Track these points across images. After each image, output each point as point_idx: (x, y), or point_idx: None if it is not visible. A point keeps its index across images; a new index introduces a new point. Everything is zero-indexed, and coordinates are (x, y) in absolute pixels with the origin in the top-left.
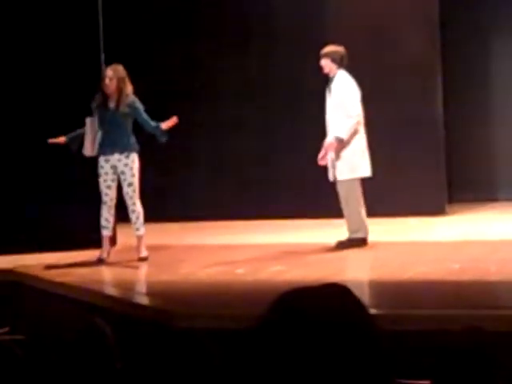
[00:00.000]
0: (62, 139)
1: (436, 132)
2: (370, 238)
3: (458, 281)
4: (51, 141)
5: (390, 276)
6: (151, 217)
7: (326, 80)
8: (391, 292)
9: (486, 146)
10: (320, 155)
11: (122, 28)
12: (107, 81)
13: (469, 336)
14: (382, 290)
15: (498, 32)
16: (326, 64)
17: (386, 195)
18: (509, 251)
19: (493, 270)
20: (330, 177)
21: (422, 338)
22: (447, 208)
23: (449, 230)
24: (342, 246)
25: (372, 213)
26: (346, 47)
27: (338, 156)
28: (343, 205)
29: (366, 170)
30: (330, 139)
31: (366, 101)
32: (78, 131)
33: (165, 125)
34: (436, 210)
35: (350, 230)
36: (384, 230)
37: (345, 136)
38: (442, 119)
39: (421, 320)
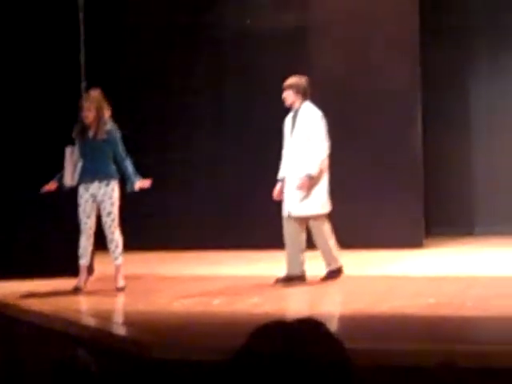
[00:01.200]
0: (53, 184)
1: (414, 166)
2: (347, 272)
3: (433, 315)
4: (45, 189)
5: (365, 310)
6: (128, 246)
7: (285, 112)
8: (366, 326)
9: (463, 181)
10: (277, 191)
11: (103, 56)
12: (85, 111)
13: (443, 372)
14: (358, 323)
15: (477, 71)
16: (289, 96)
17: (363, 228)
18: (485, 287)
19: (468, 305)
20: (288, 211)
21: (397, 374)
22: (424, 241)
23: (426, 264)
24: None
25: (349, 245)
26: (326, 77)
27: (308, 192)
28: (314, 239)
29: (329, 205)
30: (300, 177)
31: (344, 130)
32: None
33: (138, 184)
34: (413, 243)
35: (325, 264)
36: (361, 263)
37: (316, 172)
38: (421, 152)
39: (396, 355)
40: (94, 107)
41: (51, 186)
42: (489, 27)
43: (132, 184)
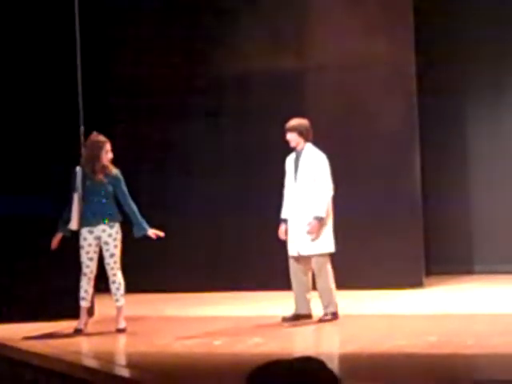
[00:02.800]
0: (59, 236)
1: (414, 205)
2: (347, 311)
3: (434, 354)
4: (55, 245)
5: (366, 349)
6: (129, 288)
7: (286, 153)
8: (368, 365)
9: (463, 219)
10: (282, 232)
11: (101, 99)
12: (88, 155)
13: None
14: (359, 362)
15: (477, 102)
16: (293, 138)
17: (363, 268)
18: (486, 324)
19: (470, 344)
20: (295, 251)
21: None
22: (424, 280)
23: (426, 303)
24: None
25: (349, 285)
26: (324, 120)
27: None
28: (316, 279)
29: (333, 245)
30: (308, 219)
31: (343, 172)
32: (64, 216)
33: (152, 232)
34: (413, 282)
35: (323, 305)
36: (361, 303)
37: (324, 214)
38: (420, 192)
39: None
40: (101, 151)
41: (58, 238)
42: (489, 55)
43: (142, 230)
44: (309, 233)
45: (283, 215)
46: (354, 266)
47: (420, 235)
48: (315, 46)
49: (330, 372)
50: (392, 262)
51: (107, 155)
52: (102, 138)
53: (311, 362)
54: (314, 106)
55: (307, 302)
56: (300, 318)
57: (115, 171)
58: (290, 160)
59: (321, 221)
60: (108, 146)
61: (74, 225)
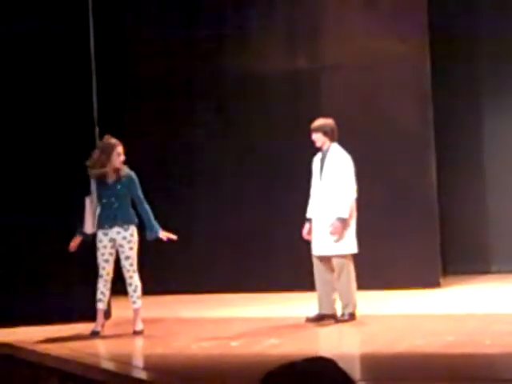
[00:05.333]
0: (77, 239)
1: (430, 205)
2: (365, 311)
3: (452, 354)
4: (73, 248)
5: (384, 349)
6: (145, 290)
7: (313, 153)
8: (385, 365)
9: (479, 219)
10: (306, 231)
11: (115, 99)
12: (103, 158)
13: None
14: (376, 362)
15: (492, 101)
16: (319, 138)
17: (380, 268)
18: (503, 324)
19: (487, 343)
20: (318, 251)
21: None
22: (441, 280)
23: (443, 303)
24: (315, 320)
25: (366, 286)
26: (338, 120)
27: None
28: (335, 279)
29: (356, 246)
30: (331, 220)
31: (358, 174)
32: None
33: (164, 234)
34: (430, 282)
35: (341, 305)
36: (379, 303)
37: (347, 215)
38: (435, 192)
39: None
40: (112, 153)
41: (76, 241)
42: (504, 54)
43: (154, 233)
44: (331, 233)
45: (308, 215)
46: (371, 267)
47: (436, 235)
48: (330, 45)
49: (342, 372)
50: (409, 262)
51: (119, 158)
52: (113, 140)
53: (323, 362)
54: (328, 105)
55: (331, 301)
56: (324, 318)
57: (128, 173)
58: (316, 160)
59: (343, 222)
60: (119, 149)
61: (87, 228)
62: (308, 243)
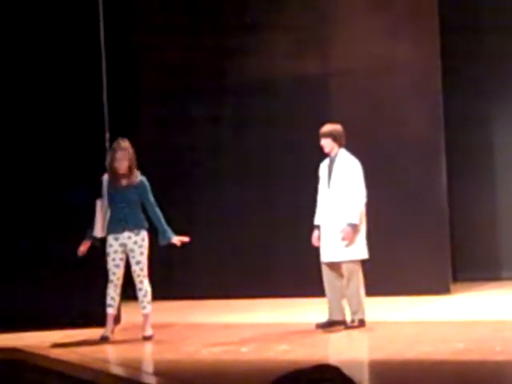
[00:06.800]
0: (86, 243)
1: (440, 211)
2: (374, 317)
3: (462, 361)
4: (81, 251)
5: (393, 356)
6: (155, 295)
7: (320, 159)
8: (395, 372)
9: (489, 225)
10: (315, 238)
11: (127, 105)
12: (117, 161)
13: None
14: (386, 369)
15: (502, 105)
16: (328, 143)
17: (390, 274)
18: None
19: (498, 350)
20: (327, 258)
21: None
22: (451, 287)
23: (453, 309)
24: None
25: (375, 292)
26: (348, 125)
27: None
28: (344, 285)
29: (366, 252)
30: (342, 225)
31: (368, 179)
32: (92, 224)
33: (177, 239)
34: (440, 289)
35: (351, 311)
36: (389, 309)
37: (357, 221)
38: (445, 198)
39: None
40: (127, 157)
41: (86, 245)
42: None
43: (167, 238)
44: (343, 239)
45: (316, 221)
46: (381, 273)
47: (447, 241)
48: (340, 50)
49: (346, 378)
50: (419, 269)
51: (128, 162)
52: (123, 144)
53: (328, 369)
54: (338, 110)
55: (341, 308)
56: (334, 324)
57: (140, 178)
58: (323, 166)
59: (354, 227)
60: (126, 154)
61: (97, 232)
62: (317, 249)
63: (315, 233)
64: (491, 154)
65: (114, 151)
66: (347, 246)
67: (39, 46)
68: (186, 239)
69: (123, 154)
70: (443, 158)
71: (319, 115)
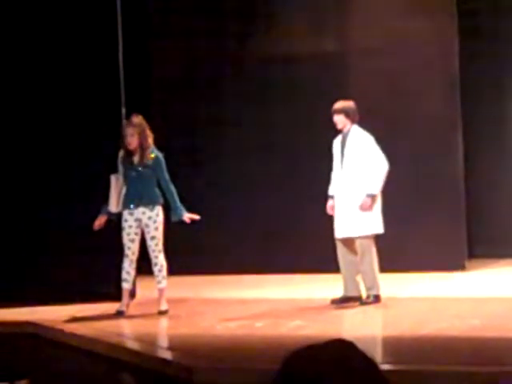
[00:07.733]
0: (102, 218)
1: (456, 188)
2: (389, 293)
3: (478, 337)
4: (97, 226)
5: (408, 332)
6: (171, 270)
7: (334, 135)
8: (409, 348)
9: (505, 202)
10: (330, 206)
11: (142, 82)
12: (129, 137)
13: None
14: (401, 345)
15: None
16: (340, 120)
17: (405, 250)
18: None
19: None
20: (341, 234)
21: None
22: (467, 263)
23: (469, 286)
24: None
25: (391, 268)
26: (365, 103)
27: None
28: (358, 261)
29: (381, 227)
30: (355, 202)
31: (386, 156)
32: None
33: (187, 216)
34: (456, 265)
35: (365, 287)
36: (404, 285)
37: (377, 191)
38: (462, 174)
39: (439, 377)
40: (138, 133)
41: (101, 220)
42: None
43: (178, 215)
44: (360, 209)
45: (330, 192)
46: (396, 249)
47: (462, 217)
48: (357, 28)
49: (362, 354)
50: (434, 245)
51: (150, 138)
52: (135, 120)
53: (341, 344)
54: (355, 87)
55: (356, 283)
56: (349, 300)
57: (155, 154)
58: (336, 142)
59: (373, 198)
60: (146, 129)
61: (112, 207)
62: (332, 224)
63: (329, 202)
64: (508, 130)
65: (125, 127)
66: (360, 221)
67: (56, 25)
68: (196, 217)
69: (134, 130)
70: (460, 135)
71: (335, 92)
